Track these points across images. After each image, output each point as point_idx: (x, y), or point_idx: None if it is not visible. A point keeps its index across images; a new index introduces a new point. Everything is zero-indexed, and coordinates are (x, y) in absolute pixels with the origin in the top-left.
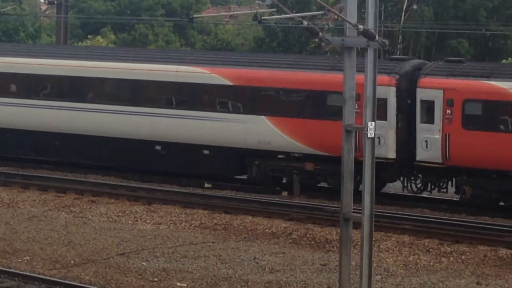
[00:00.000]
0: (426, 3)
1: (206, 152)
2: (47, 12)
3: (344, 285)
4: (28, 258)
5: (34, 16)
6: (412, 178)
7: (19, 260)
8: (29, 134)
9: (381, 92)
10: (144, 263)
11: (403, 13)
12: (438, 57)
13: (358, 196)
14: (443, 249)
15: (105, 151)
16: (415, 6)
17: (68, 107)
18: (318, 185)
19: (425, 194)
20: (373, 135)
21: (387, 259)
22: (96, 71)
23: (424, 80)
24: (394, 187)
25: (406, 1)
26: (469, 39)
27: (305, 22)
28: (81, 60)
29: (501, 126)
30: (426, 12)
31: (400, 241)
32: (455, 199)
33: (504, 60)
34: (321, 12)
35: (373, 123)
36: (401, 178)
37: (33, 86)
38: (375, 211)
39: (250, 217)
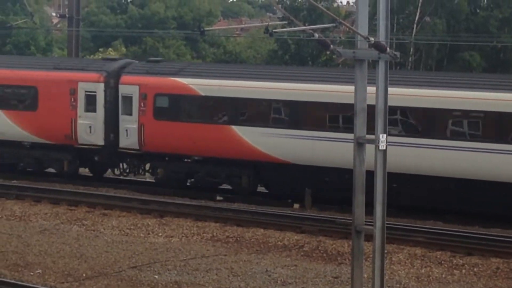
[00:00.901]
0: (438, 16)
1: None
2: (58, 26)
3: None
4: (40, 271)
5: (46, 29)
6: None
7: (31, 273)
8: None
9: None
10: (156, 276)
11: (415, 26)
12: (450, 69)
13: (369, 208)
14: (455, 261)
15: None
16: (427, 19)
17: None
18: None
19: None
20: (385, 147)
21: (399, 272)
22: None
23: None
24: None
25: (418, 14)
26: (480, 51)
27: (317, 35)
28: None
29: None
30: (438, 25)
31: (412, 253)
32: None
33: None
34: (332, 24)
35: (385, 135)
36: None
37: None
38: (387, 223)
39: (262, 230)
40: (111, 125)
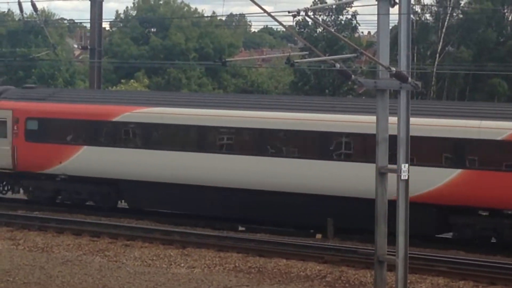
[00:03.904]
0: (465, 45)
1: None
2: (80, 57)
3: None
4: None
5: (69, 61)
6: None
7: None
8: None
9: None
10: None
11: (437, 55)
12: (473, 97)
13: (392, 238)
14: None
15: None
16: (450, 48)
17: None
18: None
19: None
20: (407, 177)
21: None
22: None
23: None
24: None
25: (441, 43)
26: (506, 80)
27: (338, 65)
28: None
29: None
30: (464, 53)
31: (435, 283)
32: None
33: None
34: (354, 54)
35: (407, 165)
36: None
37: None
38: (409, 253)
39: (284, 260)
40: None
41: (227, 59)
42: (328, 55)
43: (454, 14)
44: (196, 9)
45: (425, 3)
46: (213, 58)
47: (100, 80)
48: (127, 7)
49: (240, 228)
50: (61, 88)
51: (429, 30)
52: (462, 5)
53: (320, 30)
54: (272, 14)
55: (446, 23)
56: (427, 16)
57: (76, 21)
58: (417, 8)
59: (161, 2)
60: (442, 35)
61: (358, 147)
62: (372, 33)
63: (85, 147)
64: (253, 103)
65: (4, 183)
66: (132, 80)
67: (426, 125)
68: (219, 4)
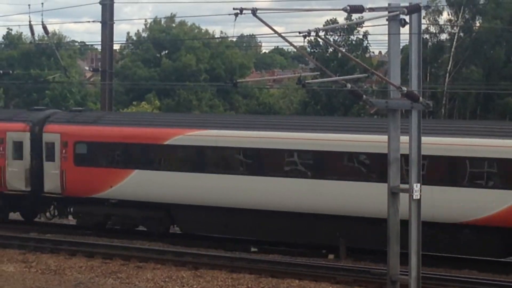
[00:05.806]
0: (474, 64)
1: None
2: (91, 79)
3: None
4: None
5: (80, 83)
6: None
7: None
8: None
9: None
10: None
11: (447, 75)
12: (485, 117)
13: (404, 258)
14: None
15: None
16: (463, 69)
17: None
18: None
19: None
20: (419, 197)
21: None
22: None
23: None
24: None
25: (450, 63)
26: None
27: (349, 85)
28: None
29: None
30: (474, 73)
31: None
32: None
33: None
34: (365, 75)
35: (419, 184)
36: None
37: None
38: (422, 273)
39: (297, 281)
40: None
41: (238, 80)
42: (339, 75)
43: (462, 34)
44: (207, 30)
45: (441, 24)
46: (224, 79)
47: (111, 102)
48: (138, 30)
49: (253, 249)
50: None
51: (443, 50)
52: (472, 23)
53: (331, 50)
54: (283, 34)
55: (454, 42)
56: (442, 36)
57: (87, 43)
58: (432, 29)
59: (173, 25)
60: (451, 55)
61: None
62: (383, 53)
63: None
64: None
65: None
66: (143, 102)
67: None
68: (230, 26)
